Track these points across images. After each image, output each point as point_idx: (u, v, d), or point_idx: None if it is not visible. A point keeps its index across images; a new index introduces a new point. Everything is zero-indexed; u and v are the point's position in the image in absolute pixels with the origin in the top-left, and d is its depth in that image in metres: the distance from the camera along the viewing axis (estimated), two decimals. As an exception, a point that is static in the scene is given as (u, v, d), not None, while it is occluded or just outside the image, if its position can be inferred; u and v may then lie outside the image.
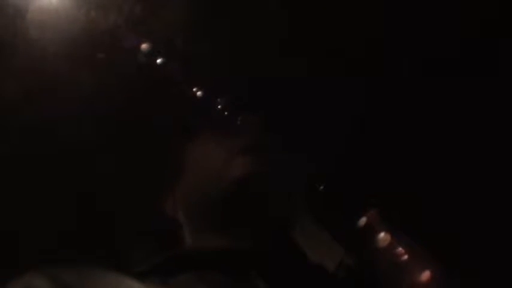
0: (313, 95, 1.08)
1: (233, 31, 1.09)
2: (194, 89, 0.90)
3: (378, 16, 1.10)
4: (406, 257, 0.68)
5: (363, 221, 0.73)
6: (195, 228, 0.78)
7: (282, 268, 0.71)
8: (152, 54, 1.00)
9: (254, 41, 1.07)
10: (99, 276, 0.63)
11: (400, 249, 0.69)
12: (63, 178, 1.02)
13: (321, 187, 0.80)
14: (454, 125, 1.11)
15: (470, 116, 1.11)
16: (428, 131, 1.11)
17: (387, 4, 1.09)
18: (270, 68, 1.05)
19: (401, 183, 1.02)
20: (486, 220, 1.03)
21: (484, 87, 1.10)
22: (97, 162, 0.94)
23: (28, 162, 1.03)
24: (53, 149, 1.02)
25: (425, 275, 0.65)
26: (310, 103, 1.06)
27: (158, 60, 1.01)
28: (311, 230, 0.83)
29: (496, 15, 1.09)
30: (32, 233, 1.02)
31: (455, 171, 1.07)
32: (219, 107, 0.86)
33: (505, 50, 1.10)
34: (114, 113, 0.95)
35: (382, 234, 0.70)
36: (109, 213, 0.91)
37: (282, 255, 0.74)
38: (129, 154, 0.90)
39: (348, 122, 1.08)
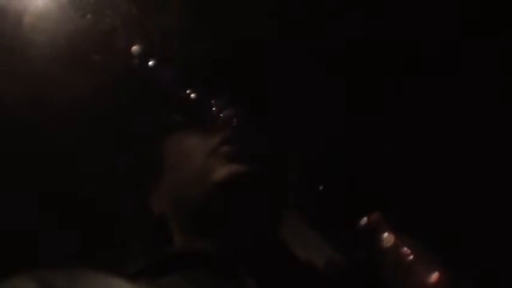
0: (309, 93, 1.06)
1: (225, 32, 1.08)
2: (181, 87, 0.89)
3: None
4: (411, 257, 0.66)
5: (364, 220, 0.71)
6: (180, 228, 0.77)
7: (270, 267, 0.69)
8: (145, 55, 0.99)
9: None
10: (88, 278, 0.62)
11: (405, 249, 0.67)
12: (51, 177, 1.01)
13: (320, 186, 0.78)
14: (450, 124, 1.09)
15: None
16: (426, 131, 1.09)
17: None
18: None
19: (402, 183, 1.00)
20: (486, 220, 1.01)
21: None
22: (84, 160, 0.92)
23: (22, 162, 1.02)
24: (44, 149, 1.00)
25: (434, 277, 0.62)
26: (305, 101, 1.05)
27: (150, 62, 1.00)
28: (299, 228, 0.81)
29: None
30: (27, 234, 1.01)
31: (455, 171, 1.05)
32: (205, 105, 0.85)
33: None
34: (104, 111, 0.94)
35: (386, 235, 0.69)
36: (95, 213, 0.90)
37: (271, 253, 0.72)
38: (115, 151, 0.88)
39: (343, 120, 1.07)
